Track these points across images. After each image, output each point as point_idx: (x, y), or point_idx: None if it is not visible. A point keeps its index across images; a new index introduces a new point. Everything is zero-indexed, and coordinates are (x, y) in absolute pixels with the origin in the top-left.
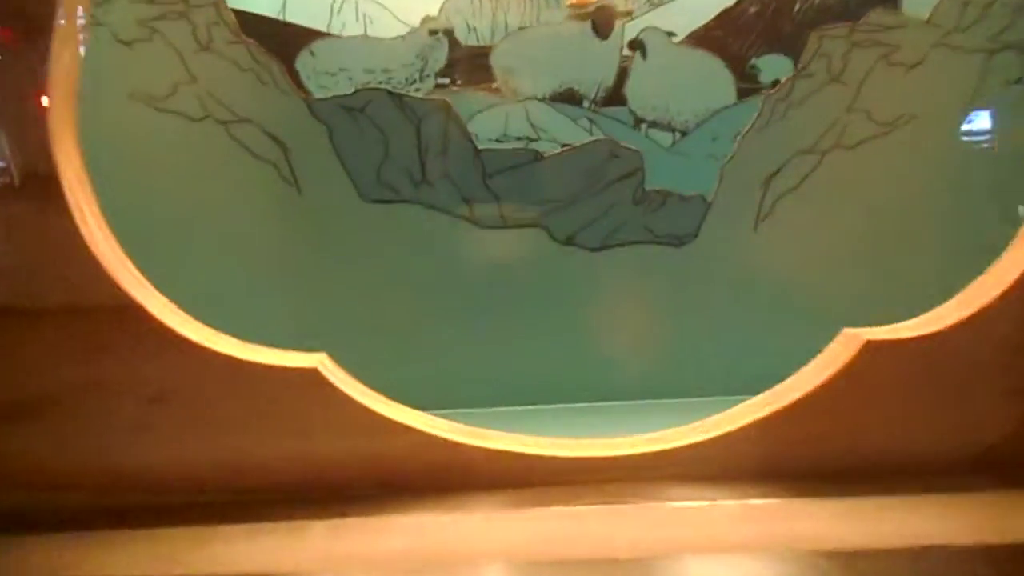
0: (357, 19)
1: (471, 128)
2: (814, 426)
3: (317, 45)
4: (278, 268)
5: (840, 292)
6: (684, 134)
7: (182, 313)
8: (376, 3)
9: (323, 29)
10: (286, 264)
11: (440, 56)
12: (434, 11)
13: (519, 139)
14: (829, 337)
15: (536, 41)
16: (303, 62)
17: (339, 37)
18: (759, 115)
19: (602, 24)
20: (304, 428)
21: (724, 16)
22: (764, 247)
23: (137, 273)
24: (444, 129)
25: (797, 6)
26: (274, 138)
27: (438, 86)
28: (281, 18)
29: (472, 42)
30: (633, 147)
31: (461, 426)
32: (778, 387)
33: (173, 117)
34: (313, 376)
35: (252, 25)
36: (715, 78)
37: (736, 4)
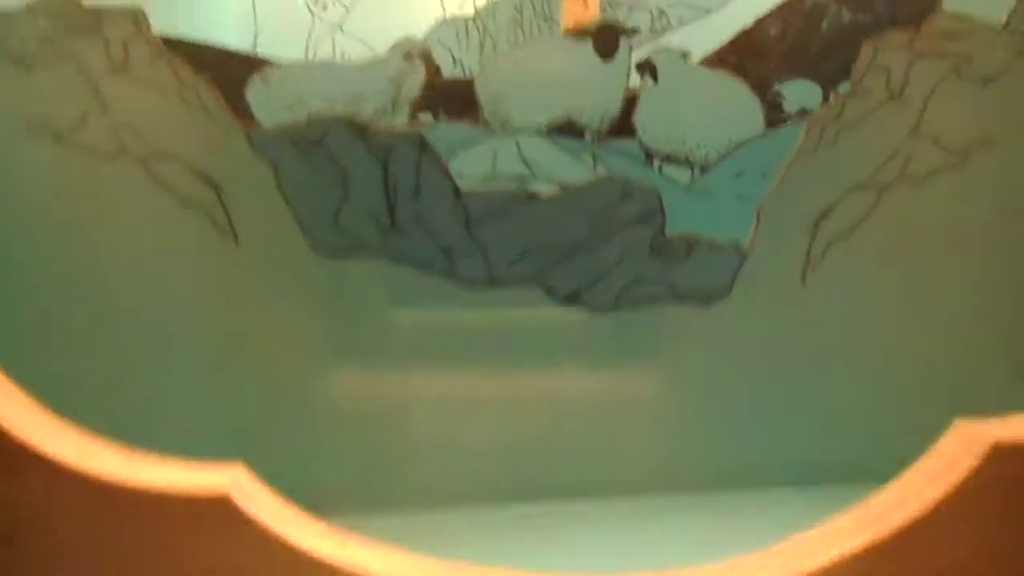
0: (334, 56)
1: (454, 166)
2: (931, 562)
3: (271, 72)
4: (207, 337)
5: (910, 359)
6: (705, 170)
7: (50, 417)
8: (356, 39)
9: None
10: (217, 333)
11: (415, 82)
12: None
13: (510, 178)
14: (899, 419)
15: (528, 64)
16: (255, 92)
17: (296, 63)
18: (803, 141)
19: (605, 43)
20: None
21: (741, 38)
22: (813, 304)
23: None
24: (418, 165)
25: (825, 24)
26: (206, 178)
27: (413, 118)
28: (253, 53)
29: (459, 76)
30: (649, 185)
31: (417, 561)
32: (873, 502)
33: (80, 153)
34: (222, 506)
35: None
36: (739, 104)
37: (755, 24)
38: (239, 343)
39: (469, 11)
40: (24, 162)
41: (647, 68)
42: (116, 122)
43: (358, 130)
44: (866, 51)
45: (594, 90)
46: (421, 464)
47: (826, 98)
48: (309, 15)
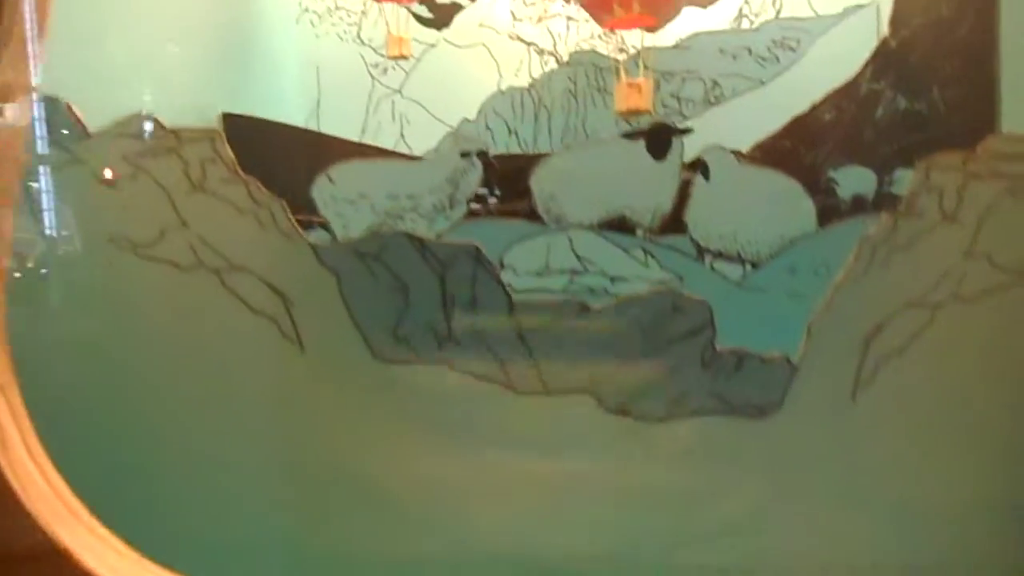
0: (394, 118)
1: (507, 260)
2: None
3: (336, 169)
4: (277, 437)
5: (962, 480)
6: (756, 266)
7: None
8: (413, 102)
9: (357, 131)
10: (285, 434)
11: (472, 180)
12: (472, 112)
13: (563, 272)
14: (952, 540)
15: (582, 162)
16: (319, 188)
17: (360, 160)
18: (855, 260)
19: (658, 143)
20: None
21: (795, 124)
22: (865, 421)
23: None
24: (474, 278)
25: (880, 110)
26: (274, 288)
27: (470, 213)
28: (315, 119)
29: (513, 147)
30: (699, 298)
31: None
32: None
33: (159, 265)
34: None
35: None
36: (790, 202)
37: (809, 110)
38: (303, 444)
39: (524, 81)
40: (105, 272)
41: (698, 166)
42: (193, 236)
43: (416, 243)
44: (918, 173)
45: (646, 188)
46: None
47: (880, 184)
48: (370, 79)
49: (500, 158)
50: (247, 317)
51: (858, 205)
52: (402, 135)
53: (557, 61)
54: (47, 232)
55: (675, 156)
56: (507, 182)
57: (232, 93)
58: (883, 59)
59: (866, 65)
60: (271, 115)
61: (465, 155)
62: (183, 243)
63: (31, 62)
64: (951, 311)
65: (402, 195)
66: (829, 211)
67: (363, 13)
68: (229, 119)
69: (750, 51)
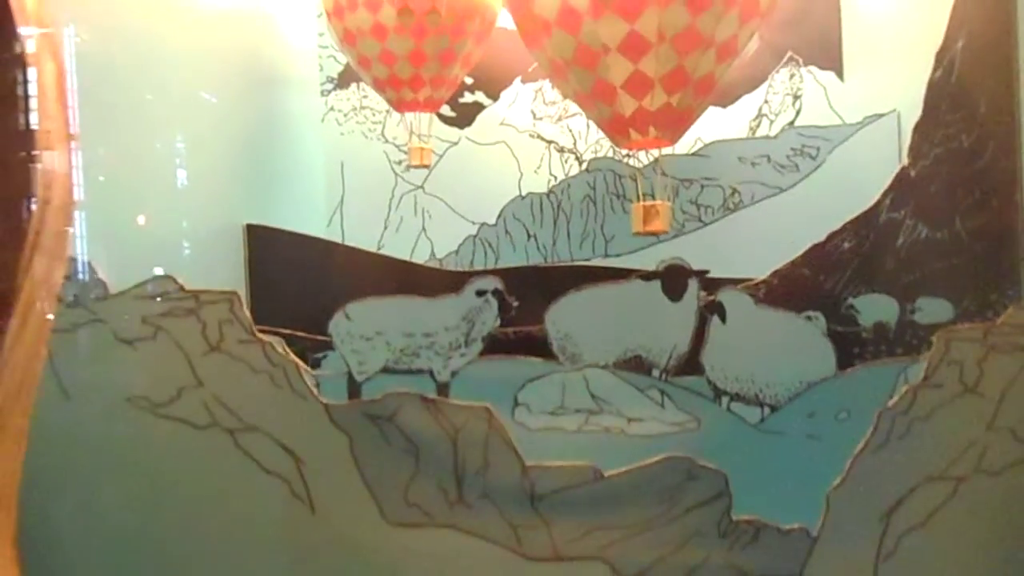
0: (416, 213)
1: (522, 398)
2: None
3: (354, 306)
4: None
5: None
6: (774, 409)
7: None
8: (435, 197)
9: (380, 225)
10: None
11: (488, 318)
12: (492, 217)
13: (578, 412)
14: None
15: (597, 302)
16: (336, 325)
17: (377, 298)
18: (874, 431)
19: (673, 284)
20: None
21: (813, 252)
22: None
23: None
24: (486, 442)
25: (900, 239)
26: (286, 448)
27: (485, 352)
28: (339, 213)
29: (532, 250)
30: (715, 466)
31: None
32: None
33: (174, 424)
34: None
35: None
36: (809, 345)
37: (827, 239)
38: None
39: (544, 178)
40: (122, 430)
41: (715, 308)
42: (208, 396)
43: (429, 405)
44: (938, 345)
45: (662, 328)
46: None
47: (903, 313)
48: (393, 175)
49: (515, 288)
50: (259, 477)
51: (880, 334)
52: (424, 229)
53: (577, 159)
54: (66, 390)
55: (691, 297)
56: (522, 321)
57: (258, 192)
58: (903, 188)
59: (885, 194)
60: (296, 210)
61: (481, 294)
62: (199, 403)
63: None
64: (974, 484)
65: (418, 333)
66: (849, 341)
67: (387, 112)
68: (253, 231)
69: (769, 158)
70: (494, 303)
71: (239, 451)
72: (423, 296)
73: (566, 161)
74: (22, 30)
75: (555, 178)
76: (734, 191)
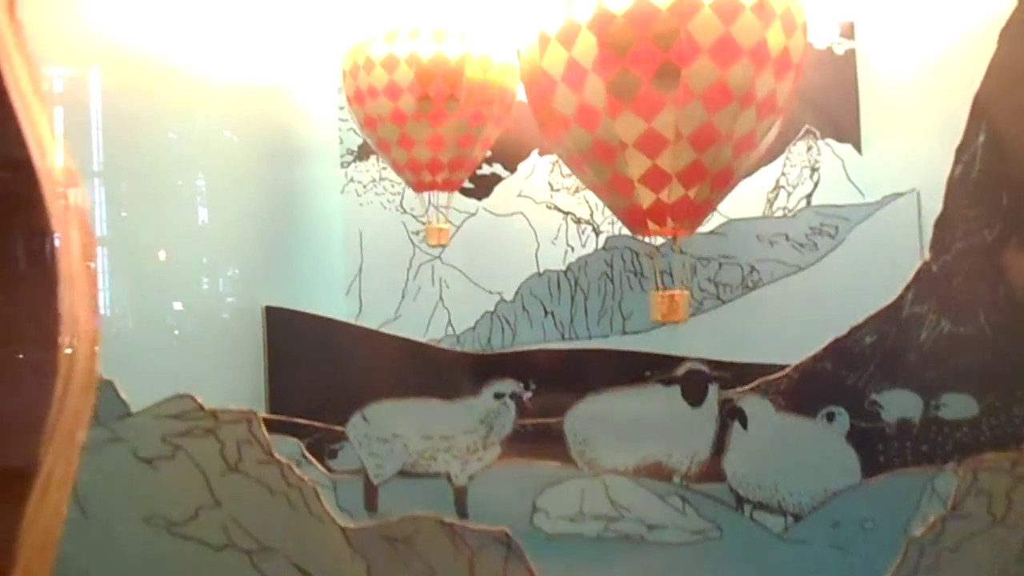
0: (433, 283)
1: (540, 503)
2: None
3: (371, 409)
4: None
5: None
6: (798, 518)
7: None
8: (452, 267)
9: (398, 295)
10: None
11: (506, 422)
12: (509, 291)
13: (598, 518)
14: None
15: (615, 406)
16: (354, 427)
17: (394, 401)
18: (902, 560)
19: (693, 390)
20: None
21: (835, 346)
22: None
23: None
24: (505, 566)
25: (924, 334)
26: (304, 571)
27: (503, 455)
28: (358, 283)
29: (549, 326)
30: None
31: None
32: None
33: (192, 544)
34: None
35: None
36: (832, 452)
37: (849, 333)
38: None
39: (561, 257)
40: (139, 549)
41: (736, 414)
42: (226, 517)
43: (447, 529)
44: (964, 475)
45: (683, 434)
46: None
47: (927, 408)
48: (411, 246)
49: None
50: None
51: (904, 430)
52: (441, 298)
53: (594, 230)
54: (84, 508)
55: (712, 402)
56: (541, 424)
57: (278, 265)
58: (925, 283)
59: (907, 288)
60: (315, 281)
61: (499, 397)
62: (216, 523)
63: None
64: None
65: (436, 436)
66: (873, 438)
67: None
68: (272, 313)
69: (787, 237)
70: (512, 406)
71: (256, 573)
72: (441, 398)
73: (583, 232)
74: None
75: (572, 249)
76: (752, 269)
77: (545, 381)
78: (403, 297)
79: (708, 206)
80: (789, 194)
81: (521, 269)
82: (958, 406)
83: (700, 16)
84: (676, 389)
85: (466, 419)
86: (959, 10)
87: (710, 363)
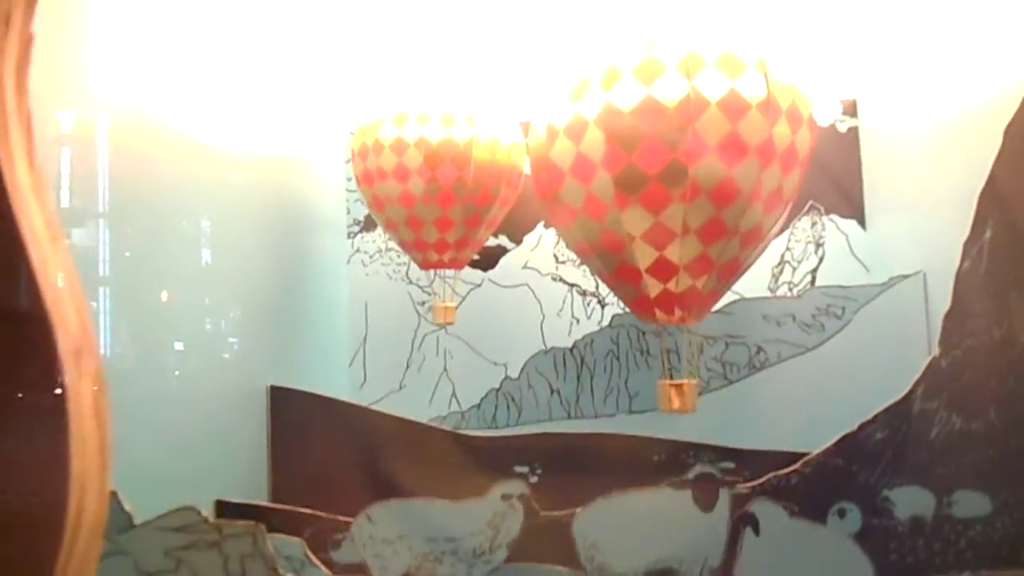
0: (437, 353)
1: None
2: None
3: (376, 509)
4: None
5: None
6: None
7: None
8: (457, 338)
9: (402, 365)
10: None
11: (514, 525)
12: (515, 364)
13: None
14: None
15: (626, 510)
16: (359, 528)
17: (400, 500)
18: None
19: (704, 495)
20: None
21: (845, 441)
22: None
23: None
24: None
25: (935, 431)
26: None
27: (509, 559)
28: (362, 353)
29: (555, 404)
30: None
31: None
32: None
33: None
34: None
35: None
36: (846, 561)
37: (859, 428)
38: None
39: (566, 328)
40: None
41: (748, 520)
42: None
43: None
44: None
45: (693, 539)
46: None
47: (939, 506)
48: (416, 316)
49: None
50: None
51: (916, 528)
52: (446, 369)
53: (599, 302)
54: None
55: (723, 507)
56: (549, 527)
57: (284, 337)
58: (935, 378)
59: (917, 383)
60: (321, 353)
61: (506, 498)
62: None
63: None
64: None
65: (441, 538)
66: (885, 535)
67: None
68: (277, 393)
69: (794, 318)
70: (520, 508)
71: None
72: (447, 499)
73: (588, 304)
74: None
75: (577, 321)
76: (759, 349)
77: (551, 466)
78: (407, 367)
79: (715, 295)
80: (794, 269)
81: (526, 341)
82: (971, 504)
83: (707, 115)
84: (687, 493)
85: (473, 521)
86: (962, 92)
87: (718, 449)
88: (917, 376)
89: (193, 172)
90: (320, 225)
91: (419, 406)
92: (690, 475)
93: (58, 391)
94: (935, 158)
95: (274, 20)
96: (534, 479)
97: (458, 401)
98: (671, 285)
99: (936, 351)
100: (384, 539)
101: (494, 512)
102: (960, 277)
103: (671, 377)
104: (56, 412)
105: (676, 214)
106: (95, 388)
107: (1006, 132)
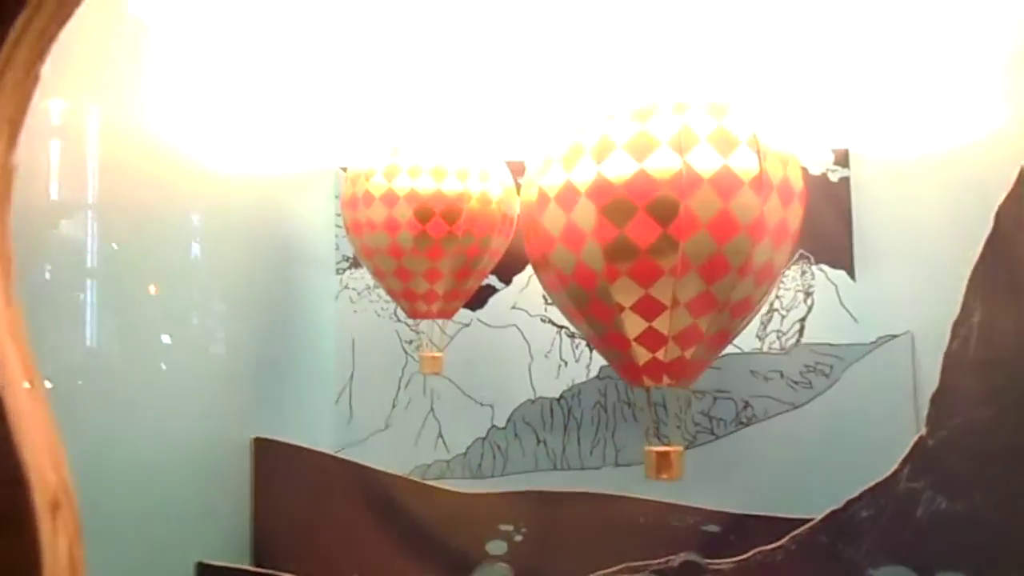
0: (424, 393)
1: None
2: None
3: None
4: None
5: None
6: None
7: None
8: (445, 378)
9: (388, 405)
10: None
11: None
12: (501, 419)
13: None
14: None
15: None
16: None
17: None
18: None
19: None
20: None
21: (831, 518)
22: None
23: None
24: None
25: (920, 510)
26: None
27: None
28: (348, 392)
29: (541, 455)
30: None
31: None
32: None
33: None
34: None
35: None
36: None
37: (844, 505)
38: None
39: (555, 376)
40: None
41: None
42: None
43: None
44: None
45: None
46: None
47: None
48: (404, 355)
49: None
50: None
51: None
52: (432, 409)
53: (588, 345)
54: None
55: None
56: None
57: (267, 382)
58: (921, 458)
59: (904, 463)
60: (306, 392)
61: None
62: None
63: None
64: None
65: None
66: None
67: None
68: (260, 444)
69: (782, 374)
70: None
71: None
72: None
73: (576, 346)
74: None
75: (565, 363)
76: (747, 405)
77: (535, 525)
78: (394, 407)
79: (704, 364)
80: (783, 317)
81: (514, 382)
82: None
83: (699, 193)
84: None
85: None
86: (955, 155)
87: (703, 512)
88: (904, 455)
89: (180, 194)
90: (308, 260)
91: (405, 446)
92: (675, 563)
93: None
94: (926, 216)
95: (265, 51)
96: (518, 538)
97: (444, 442)
98: (660, 354)
99: (923, 430)
100: None
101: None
102: (948, 356)
103: (657, 432)
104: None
105: (666, 288)
106: (71, 542)
107: (997, 215)
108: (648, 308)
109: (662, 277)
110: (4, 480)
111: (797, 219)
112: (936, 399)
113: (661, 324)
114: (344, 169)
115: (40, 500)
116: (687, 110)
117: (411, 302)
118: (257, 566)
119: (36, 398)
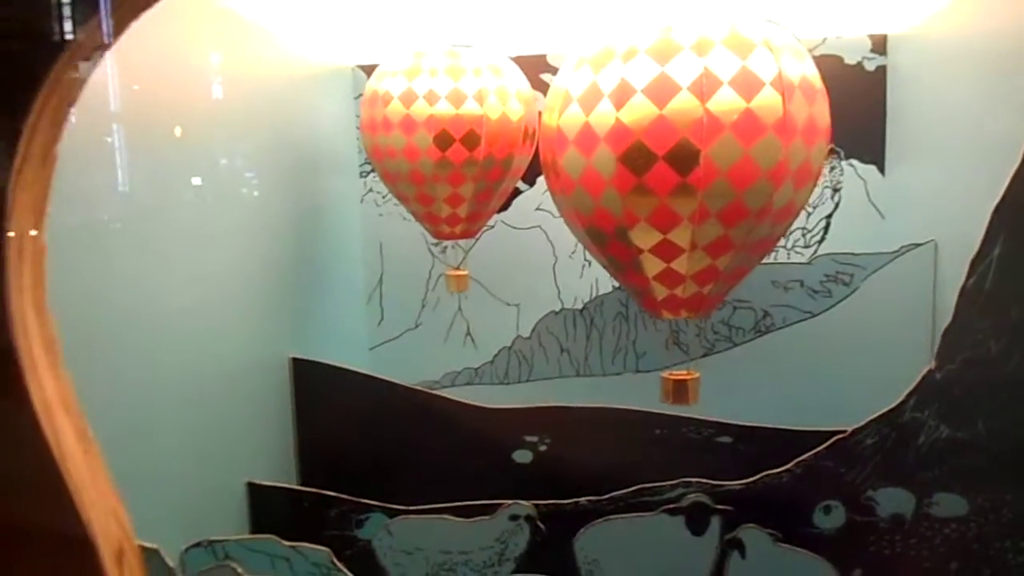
0: (452, 293)
1: None
2: None
3: (395, 523)
4: None
5: None
6: None
7: None
8: (472, 279)
9: (418, 305)
10: None
11: (520, 541)
12: (527, 328)
13: None
14: None
15: (624, 532)
16: (380, 539)
17: (417, 517)
18: None
19: (696, 520)
20: None
21: (838, 445)
22: None
23: None
24: None
25: (922, 438)
26: None
27: (516, 572)
28: (378, 294)
29: (565, 363)
30: None
31: None
32: None
33: None
34: None
35: None
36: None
37: (851, 433)
38: None
39: (578, 276)
40: None
41: (735, 544)
42: None
43: None
44: None
45: (684, 561)
46: None
47: (919, 505)
48: (430, 257)
49: (546, 517)
50: None
51: (896, 524)
52: (460, 308)
53: None
54: None
55: (713, 533)
56: (552, 545)
57: (300, 285)
58: (927, 390)
59: (910, 395)
60: (339, 296)
61: (514, 518)
62: None
63: None
64: None
65: (455, 551)
66: (866, 531)
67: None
68: (299, 365)
69: (802, 283)
70: (527, 527)
71: None
72: (460, 517)
73: None
74: None
75: (589, 263)
76: (766, 314)
77: (558, 438)
78: (423, 307)
79: (720, 298)
80: (809, 214)
81: (539, 282)
82: (949, 505)
83: (721, 141)
84: (681, 519)
85: (483, 537)
86: (1000, 31)
87: (718, 424)
88: (911, 388)
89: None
90: (331, 166)
91: (435, 344)
92: (684, 503)
93: None
94: (965, 112)
95: None
96: (543, 448)
97: (473, 340)
98: (678, 291)
99: (932, 363)
100: (403, 550)
101: (502, 530)
102: (964, 293)
103: (676, 340)
104: None
105: (684, 234)
106: None
107: None
108: (666, 251)
109: (680, 224)
110: (73, 540)
111: (821, 156)
112: (947, 333)
113: (679, 265)
114: (361, 67)
115: (106, 552)
116: (710, 50)
117: (434, 225)
118: (303, 486)
119: (92, 460)
